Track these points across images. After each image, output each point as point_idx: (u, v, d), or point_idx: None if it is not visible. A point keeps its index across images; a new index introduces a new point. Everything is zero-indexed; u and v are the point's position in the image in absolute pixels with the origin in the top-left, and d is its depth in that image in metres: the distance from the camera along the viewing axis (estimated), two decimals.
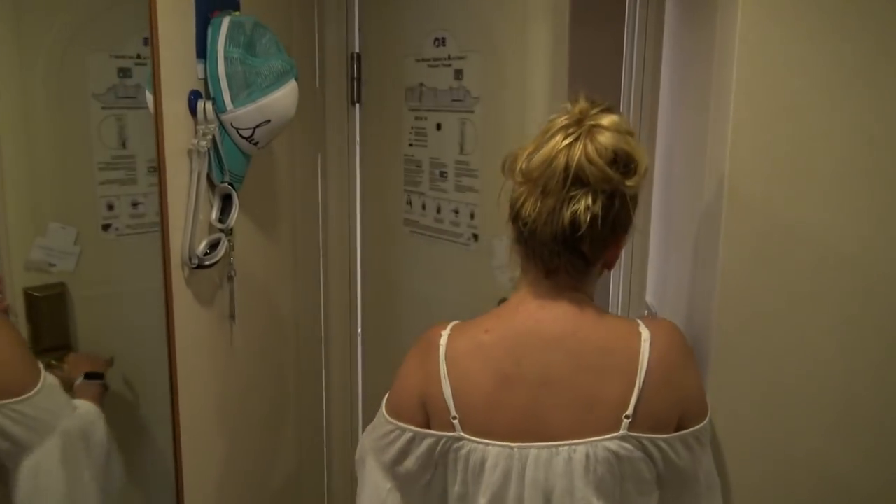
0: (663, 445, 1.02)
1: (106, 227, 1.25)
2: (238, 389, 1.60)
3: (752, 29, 1.26)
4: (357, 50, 2.15)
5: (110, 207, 1.25)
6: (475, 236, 1.78)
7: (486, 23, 1.70)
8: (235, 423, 1.61)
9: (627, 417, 0.99)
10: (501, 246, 1.71)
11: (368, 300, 2.25)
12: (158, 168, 1.25)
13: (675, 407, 1.05)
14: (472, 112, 1.75)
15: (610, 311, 2.21)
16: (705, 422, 1.11)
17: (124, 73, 1.22)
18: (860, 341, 1.35)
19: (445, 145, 1.82)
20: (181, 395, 1.35)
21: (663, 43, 1.96)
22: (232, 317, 1.52)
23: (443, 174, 1.82)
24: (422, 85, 1.85)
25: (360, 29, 2.13)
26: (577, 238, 1.00)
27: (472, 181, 1.76)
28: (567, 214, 0.98)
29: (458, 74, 1.76)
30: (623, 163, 1.00)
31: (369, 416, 2.27)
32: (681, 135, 1.74)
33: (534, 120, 1.75)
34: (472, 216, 1.78)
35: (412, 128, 1.89)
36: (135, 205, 1.27)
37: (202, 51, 1.36)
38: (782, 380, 1.37)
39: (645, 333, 1.04)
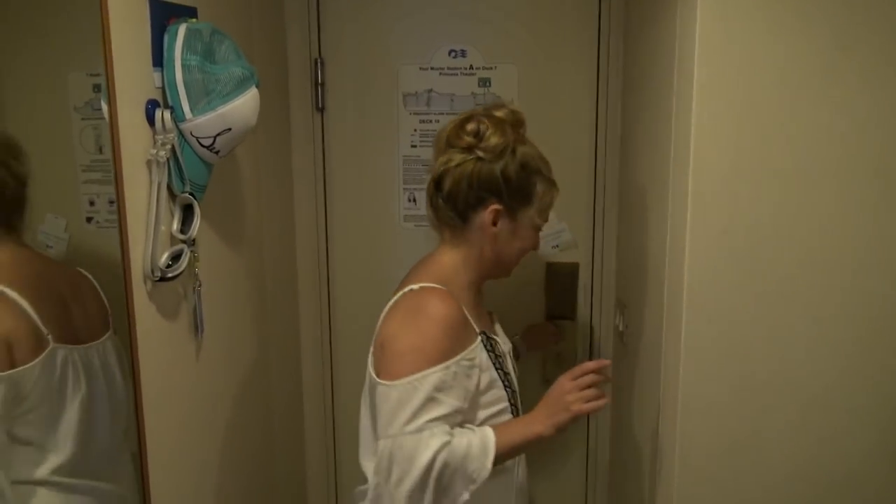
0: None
1: (89, 220, 1.37)
2: (206, 403, 1.58)
3: (711, 26, 1.26)
4: (319, 55, 2.13)
5: (92, 203, 1.36)
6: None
7: (511, 36, 2.13)
8: (204, 437, 1.58)
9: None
10: None
11: (346, 303, 2.25)
12: (115, 179, 1.23)
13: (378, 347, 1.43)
14: None
15: (583, 307, 2.22)
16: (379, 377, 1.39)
17: (97, 88, 1.29)
18: (825, 334, 1.37)
19: None
20: (146, 411, 1.32)
21: (624, 45, 1.98)
22: (198, 329, 1.50)
23: None
24: (430, 91, 2.13)
25: (322, 34, 2.12)
26: (441, 191, 1.47)
27: None
28: (437, 166, 1.47)
29: (484, 82, 2.12)
30: (475, 133, 1.44)
31: (346, 428, 2.28)
32: (644, 136, 1.75)
33: (563, 120, 2.12)
34: None
35: (415, 130, 2.17)
36: (111, 202, 1.31)
37: (159, 59, 1.33)
38: (750, 373, 1.39)
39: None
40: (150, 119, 1.31)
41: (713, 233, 1.33)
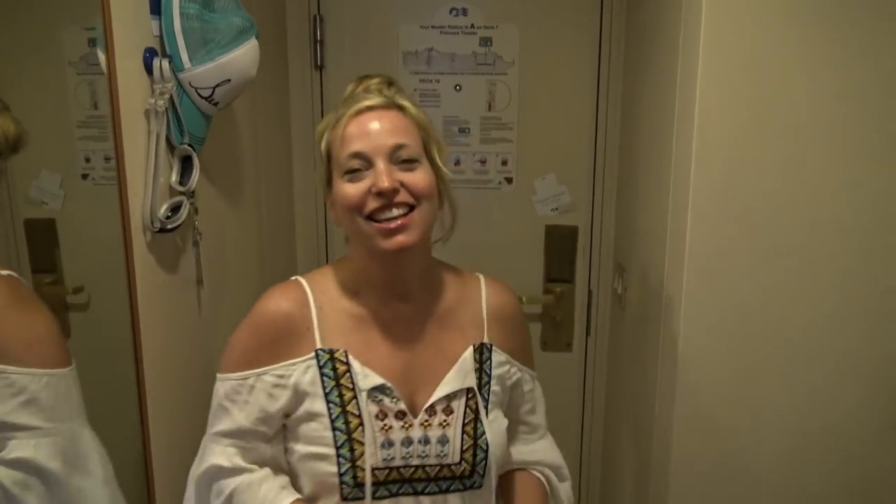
0: None
1: (84, 177, 1.37)
2: (206, 355, 1.58)
3: None
4: (319, 12, 2.10)
5: (87, 160, 1.35)
6: (508, 180, 2.20)
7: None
8: (204, 389, 1.58)
9: None
10: (543, 184, 2.18)
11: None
12: (113, 129, 1.22)
13: None
14: (505, 74, 2.12)
15: (581, 271, 2.23)
16: None
17: (93, 42, 1.28)
18: (821, 291, 1.37)
19: (468, 104, 2.18)
20: (146, 364, 1.32)
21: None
22: (199, 282, 1.49)
23: (463, 130, 2.19)
24: (431, 50, 2.14)
25: None
26: None
27: (506, 133, 2.18)
28: None
29: (486, 42, 2.12)
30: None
31: None
32: (648, 95, 1.73)
33: (564, 81, 2.13)
34: (504, 163, 2.20)
35: (415, 90, 2.16)
36: (107, 159, 1.31)
37: (157, 7, 1.31)
38: (747, 329, 1.39)
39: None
40: (149, 68, 1.29)
41: (715, 191, 1.33)
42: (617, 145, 2.11)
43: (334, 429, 1.08)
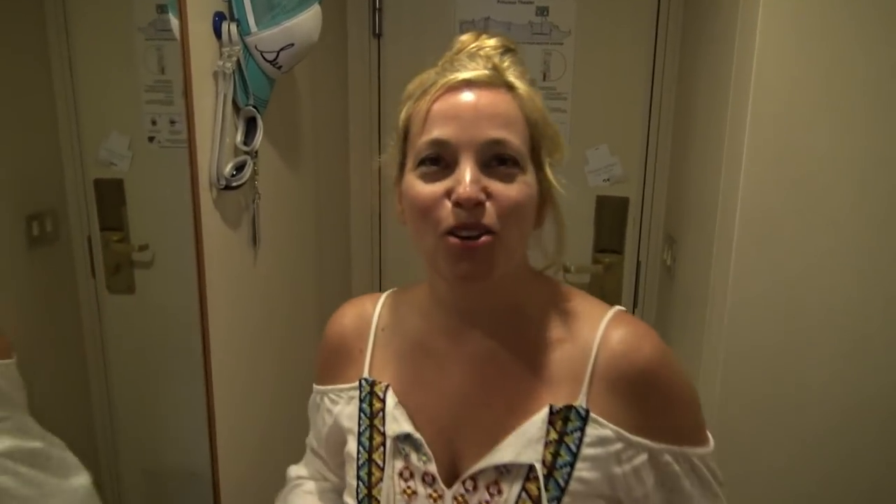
0: None
1: (151, 139, 1.43)
2: (261, 311, 1.65)
3: None
4: None
5: (154, 123, 1.42)
6: None
7: None
8: (261, 342, 1.66)
9: None
10: (595, 154, 2.19)
11: (396, 224, 2.31)
12: (185, 89, 1.28)
13: None
14: (560, 44, 2.13)
15: (631, 242, 2.24)
16: None
17: (162, 9, 1.33)
18: (875, 264, 1.37)
19: None
20: (210, 313, 1.40)
21: None
22: (256, 240, 1.56)
23: None
24: (487, 19, 2.16)
25: None
26: None
27: (560, 103, 2.18)
28: None
29: (542, 11, 2.13)
30: None
31: None
32: (704, 65, 1.73)
33: (620, 53, 2.13)
34: None
35: None
36: (172, 123, 1.38)
37: None
38: (797, 300, 1.40)
39: None
40: (217, 32, 1.35)
41: (769, 161, 1.33)
42: (671, 117, 2.10)
43: (358, 478, 0.90)
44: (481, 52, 0.83)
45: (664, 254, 2.10)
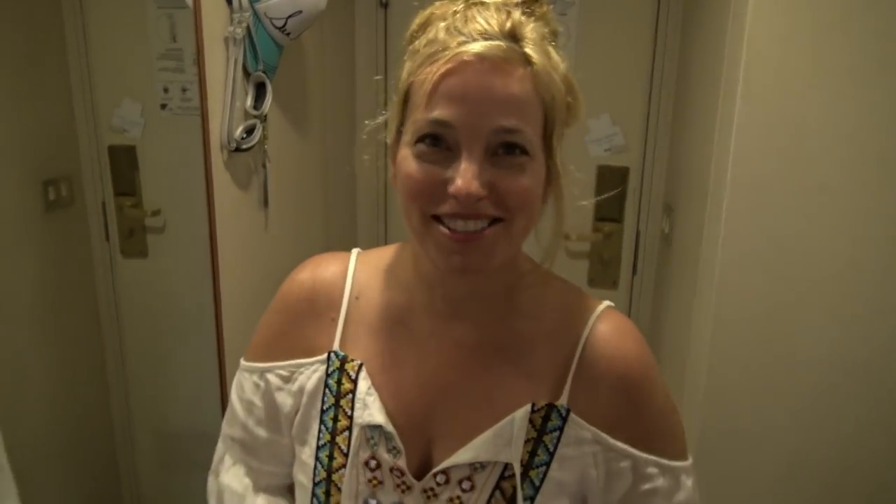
0: None
1: (163, 107, 1.48)
2: (272, 271, 1.70)
3: None
4: None
5: (165, 90, 1.47)
6: None
7: None
8: (269, 302, 1.71)
9: None
10: (597, 124, 2.20)
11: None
12: (198, 54, 1.32)
13: None
14: (564, 15, 2.13)
15: (630, 211, 2.28)
16: None
17: None
18: (864, 228, 1.40)
19: None
20: (222, 274, 1.45)
21: None
22: (266, 202, 1.61)
23: None
24: None
25: None
26: None
27: None
28: None
29: None
30: None
31: None
32: (703, 34, 1.75)
33: (622, 24, 2.13)
34: None
35: None
36: (184, 90, 1.41)
37: None
38: (785, 262, 1.43)
39: None
40: None
41: (760, 128, 1.37)
42: (673, 88, 2.13)
43: (317, 458, 0.82)
44: (501, 1, 0.72)
45: (663, 223, 2.14)
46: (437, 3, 0.75)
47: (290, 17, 1.44)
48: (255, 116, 1.47)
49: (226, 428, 0.92)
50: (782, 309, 1.46)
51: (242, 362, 0.89)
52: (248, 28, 1.40)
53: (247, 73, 1.46)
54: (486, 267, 0.72)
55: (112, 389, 1.72)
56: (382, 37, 2.24)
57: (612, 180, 2.24)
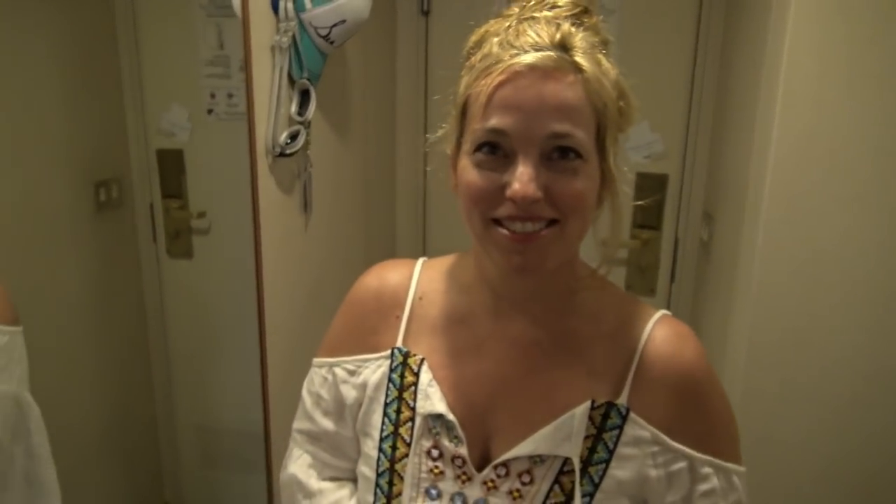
0: None
1: (209, 112, 1.54)
2: (312, 276, 1.74)
3: None
4: None
5: (212, 96, 1.53)
6: None
7: None
8: (309, 304, 1.75)
9: None
10: (636, 131, 2.20)
11: (440, 200, 2.38)
12: (245, 62, 1.36)
13: None
14: (605, 22, 1.95)
15: (669, 218, 2.27)
16: None
17: None
18: None
19: None
20: (265, 274, 1.49)
21: None
22: (308, 207, 1.65)
23: None
24: None
25: None
26: None
27: None
28: None
29: None
30: None
31: None
32: (743, 41, 1.75)
33: (663, 31, 2.14)
34: None
35: None
36: (230, 96, 1.45)
37: None
38: (822, 270, 1.42)
39: None
40: (275, 8, 1.43)
41: (799, 138, 1.36)
42: (713, 95, 2.12)
43: (380, 450, 0.86)
44: (548, 18, 0.75)
45: (702, 231, 2.13)
46: (492, 21, 0.79)
47: (334, 26, 1.48)
48: (300, 123, 1.51)
49: (295, 423, 0.98)
50: (819, 318, 1.45)
51: (314, 360, 0.96)
52: (293, 37, 1.44)
53: (292, 81, 1.50)
54: (543, 267, 0.77)
55: (156, 387, 1.76)
56: (423, 44, 2.26)
57: (651, 187, 2.24)
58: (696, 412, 0.81)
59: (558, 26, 0.74)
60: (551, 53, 0.72)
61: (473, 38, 0.81)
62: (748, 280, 1.47)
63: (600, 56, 0.76)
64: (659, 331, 0.82)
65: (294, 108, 1.50)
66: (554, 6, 0.77)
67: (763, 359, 1.48)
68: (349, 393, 0.90)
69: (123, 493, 1.65)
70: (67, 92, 1.37)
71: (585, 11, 0.78)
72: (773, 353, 1.48)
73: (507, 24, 0.76)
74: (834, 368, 1.46)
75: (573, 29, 0.75)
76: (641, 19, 2.14)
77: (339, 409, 0.92)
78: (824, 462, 1.52)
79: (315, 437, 0.96)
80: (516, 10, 0.78)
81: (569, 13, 0.76)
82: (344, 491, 0.94)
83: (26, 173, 1.28)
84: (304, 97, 1.52)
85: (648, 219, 2.27)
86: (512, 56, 0.73)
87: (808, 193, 1.37)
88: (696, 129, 2.18)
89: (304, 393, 0.96)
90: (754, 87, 1.52)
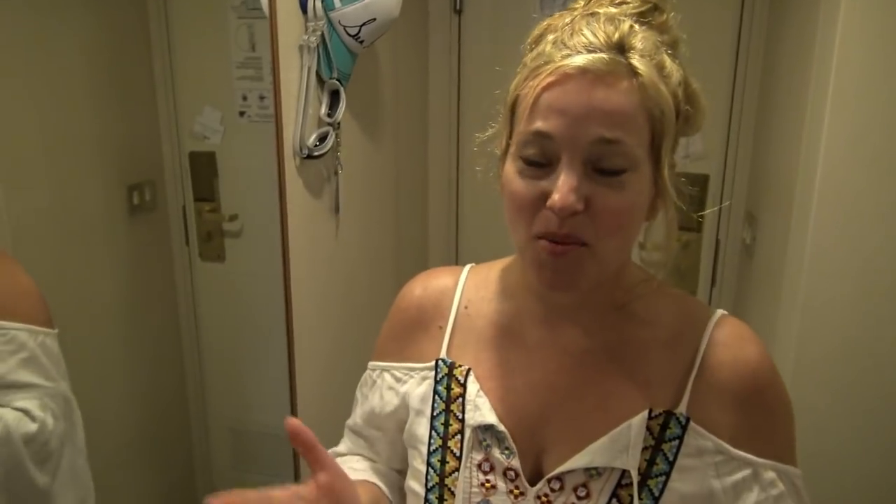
0: None
1: (241, 114, 1.53)
2: (342, 279, 1.72)
3: None
4: None
5: (244, 98, 1.53)
6: None
7: None
8: (339, 308, 1.73)
9: None
10: None
11: (472, 202, 2.35)
12: (273, 61, 1.35)
13: None
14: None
15: (710, 220, 2.21)
16: None
17: None
18: None
19: None
20: (293, 279, 1.47)
21: None
22: (337, 209, 1.63)
23: None
24: None
25: None
26: None
27: None
28: None
29: None
30: None
31: None
32: (790, 37, 1.69)
33: (704, 27, 2.05)
34: None
35: None
36: (262, 98, 1.45)
37: None
38: (873, 275, 1.36)
39: None
40: (304, 7, 1.41)
41: (848, 138, 1.30)
42: (756, 93, 2.05)
43: (429, 464, 0.83)
44: (610, 15, 0.71)
45: (744, 232, 2.07)
46: (556, 14, 0.75)
47: (363, 24, 1.45)
48: (329, 124, 1.49)
49: (349, 419, 0.98)
50: (872, 329, 1.38)
51: (369, 363, 0.94)
52: (322, 36, 1.42)
53: (321, 81, 1.48)
54: (576, 286, 0.73)
55: (189, 388, 1.77)
56: (456, 43, 2.23)
57: (690, 188, 2.17)
58: (761, 419, 0.76)
59: (618, 25, 0.70)
60: (604, 56, 0.68)
61: (535, 31, 0.76)
62: (795, 288, 1.42)
63: (665, 57, 0.72)
64: (719, 333, 0.77)
65: (323, 108, 1.48)
66: (622, 2, 0.73)
67: (812, 372, 1.42)
68: (391, 399, 0.88)
69: (156, 493, 1.66)
70: (101, 96, 1.37)
71: (655, 8, 0.75)
72: (822, 366, 1.41)
73: (567, 20, 0.73)
74: (889, 384, 1.40)
75: (636, 27, 0.71)
76: (681, 14, 2.08)
77: (379, 412, 0.90)
78: (880, 481, 1.45)
79: (357, 433, 0.96)
80: (581, 2, 0.74)
81: (635, 10, 0.73)
82: (368, 472, 0.94)
83: (60, 177, 1.29)
84: (334, 98, 1.50)
85: (688, 220, 2.20)
86: (563, 57, 0.68)
87: (859, 196, 1.31)
88: (738, 128, 2.11)
89: (357, 391, 0.96)
90: (802, 84, 1.46)
